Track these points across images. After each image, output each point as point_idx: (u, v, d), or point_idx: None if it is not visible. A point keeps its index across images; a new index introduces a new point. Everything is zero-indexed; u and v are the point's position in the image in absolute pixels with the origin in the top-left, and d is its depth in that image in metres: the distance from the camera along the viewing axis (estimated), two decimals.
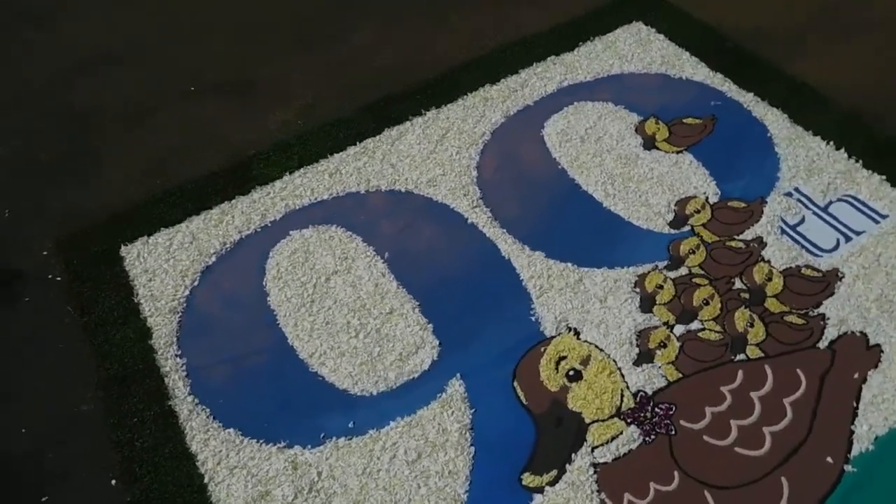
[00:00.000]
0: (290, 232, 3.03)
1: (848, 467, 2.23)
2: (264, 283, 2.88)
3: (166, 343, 2.72)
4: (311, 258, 2.93)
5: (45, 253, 3.10)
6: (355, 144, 3.31)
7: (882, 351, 2.45)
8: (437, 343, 2.64)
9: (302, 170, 3.24)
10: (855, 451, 2.25)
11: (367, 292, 2.80)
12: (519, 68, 3.54)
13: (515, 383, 2.51)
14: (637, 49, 3.56)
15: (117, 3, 4.37)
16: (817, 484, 2.21)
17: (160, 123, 3.63)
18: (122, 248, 3.03)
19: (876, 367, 2.42)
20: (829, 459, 2.25)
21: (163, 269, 2.95)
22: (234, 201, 3.15)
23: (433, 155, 3.23)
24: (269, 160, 3.30)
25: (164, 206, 3.17)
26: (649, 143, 3.17)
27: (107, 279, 2.94)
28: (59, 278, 3.01)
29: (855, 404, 2.35)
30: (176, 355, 2.69)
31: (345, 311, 2.76)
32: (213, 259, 2.97)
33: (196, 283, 2.90)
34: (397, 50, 3.84)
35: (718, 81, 3.37)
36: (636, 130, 3.22)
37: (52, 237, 3.15)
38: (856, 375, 2.41)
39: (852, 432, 2.29)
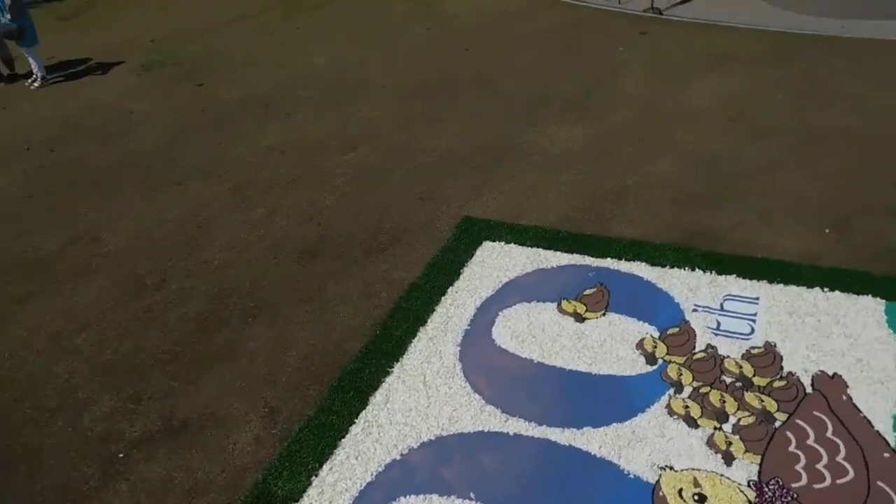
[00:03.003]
0: None
1: None
2: None
3: None
4: None
5: None
6: (354, 423, 3.33)
7: (841, 376, 3.35)
8: None
9: (325, 467, 3.14)
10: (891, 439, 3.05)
11: None
12: (433, 306, 3.97)
13: None
14: (504, 259, 4.29)
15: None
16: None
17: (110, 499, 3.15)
18: None
19: (847, 387, 3.30)
20: (886, 454, 2.99)
21: None
22: None
23: (432, 399, 3.42)
24: (282, 475, 3.12)
25: None
26: (579, 318, 3.83)
27: None
28: None
29: (862, 413, 3.17)
30: None
31: None
32: None
33: None
34: (309, 338, 3.94)
35: (578, 259, 4.25)
36: (561, 313, 3.87)
37: None
38: (844, 398, 3.25)
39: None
